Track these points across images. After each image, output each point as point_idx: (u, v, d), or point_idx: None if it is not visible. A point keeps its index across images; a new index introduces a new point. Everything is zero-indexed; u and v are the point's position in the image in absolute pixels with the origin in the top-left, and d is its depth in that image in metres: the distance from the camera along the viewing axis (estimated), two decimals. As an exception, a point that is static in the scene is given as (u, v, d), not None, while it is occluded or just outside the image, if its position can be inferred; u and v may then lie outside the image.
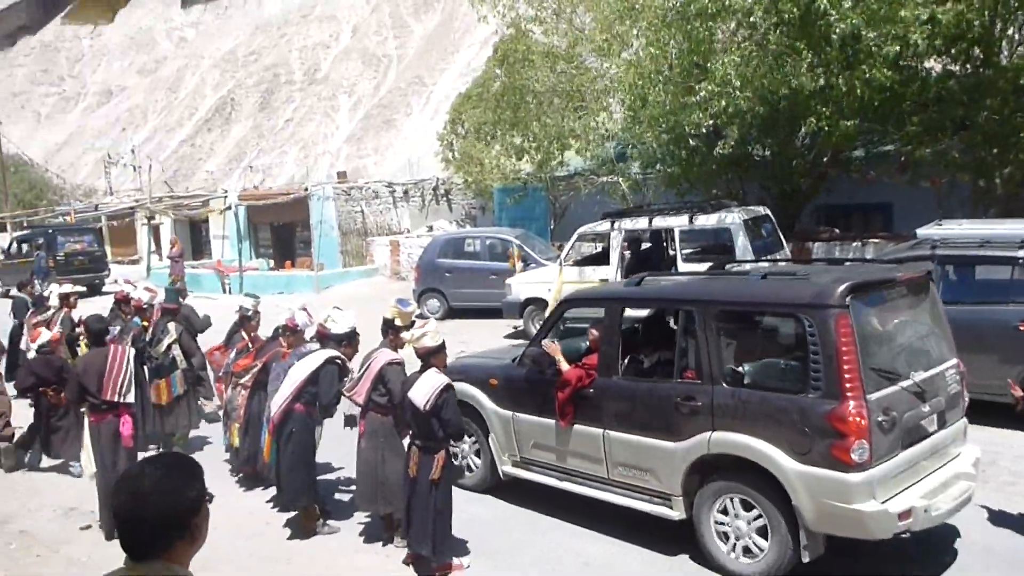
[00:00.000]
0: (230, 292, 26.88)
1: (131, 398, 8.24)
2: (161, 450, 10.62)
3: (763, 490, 6.18)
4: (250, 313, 9.29)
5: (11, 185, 50.04)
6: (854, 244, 17.15)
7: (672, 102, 15.40)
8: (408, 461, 6.79)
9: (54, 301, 12.41)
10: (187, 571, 2.29)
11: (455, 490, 7.06)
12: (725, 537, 6.48)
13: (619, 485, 7.12)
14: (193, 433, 10.89)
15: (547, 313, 8.86)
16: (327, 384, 7.55)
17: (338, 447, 9.19)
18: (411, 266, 24.15)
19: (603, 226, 15.07)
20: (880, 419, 5.85)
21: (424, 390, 6.56)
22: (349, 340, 7.85)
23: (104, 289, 28.65)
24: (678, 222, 14.21)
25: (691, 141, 16.75)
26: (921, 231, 11.22)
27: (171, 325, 10.48)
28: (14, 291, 15.64)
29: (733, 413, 6.30)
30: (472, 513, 7.86)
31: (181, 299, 11.04)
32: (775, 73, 14.14)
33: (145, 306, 10.86)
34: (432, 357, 6.71)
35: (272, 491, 8.87)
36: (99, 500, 8.21)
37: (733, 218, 13.82)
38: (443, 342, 6.80)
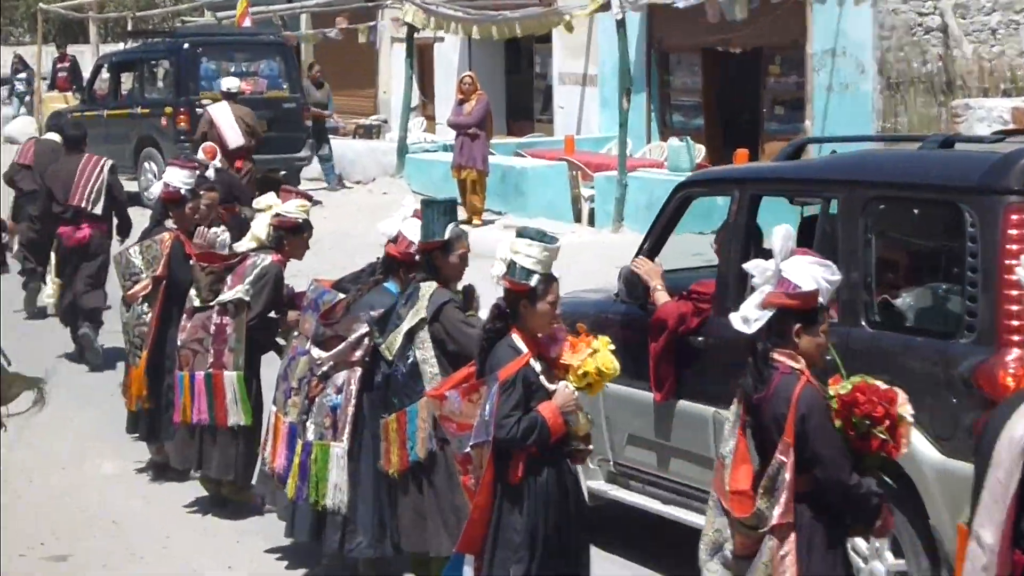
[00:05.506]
0: (592, 223, 12.28)
1: (99, 210, 8.06)
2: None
3: (902, 505, 3.82)
4: None
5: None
6: None
7: None
8: None
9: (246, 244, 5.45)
10: None
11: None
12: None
13: None
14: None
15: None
16: None
17: None
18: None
19: None
20: None
21: None
22: None
23: (314, 194, 9.55)
24: None
25: None
26: None
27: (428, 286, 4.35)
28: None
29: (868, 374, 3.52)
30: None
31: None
32: None
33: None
34: None
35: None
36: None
37: None
38: None
